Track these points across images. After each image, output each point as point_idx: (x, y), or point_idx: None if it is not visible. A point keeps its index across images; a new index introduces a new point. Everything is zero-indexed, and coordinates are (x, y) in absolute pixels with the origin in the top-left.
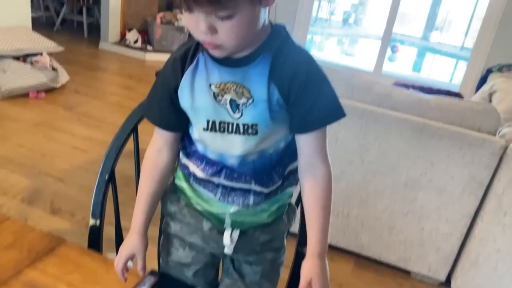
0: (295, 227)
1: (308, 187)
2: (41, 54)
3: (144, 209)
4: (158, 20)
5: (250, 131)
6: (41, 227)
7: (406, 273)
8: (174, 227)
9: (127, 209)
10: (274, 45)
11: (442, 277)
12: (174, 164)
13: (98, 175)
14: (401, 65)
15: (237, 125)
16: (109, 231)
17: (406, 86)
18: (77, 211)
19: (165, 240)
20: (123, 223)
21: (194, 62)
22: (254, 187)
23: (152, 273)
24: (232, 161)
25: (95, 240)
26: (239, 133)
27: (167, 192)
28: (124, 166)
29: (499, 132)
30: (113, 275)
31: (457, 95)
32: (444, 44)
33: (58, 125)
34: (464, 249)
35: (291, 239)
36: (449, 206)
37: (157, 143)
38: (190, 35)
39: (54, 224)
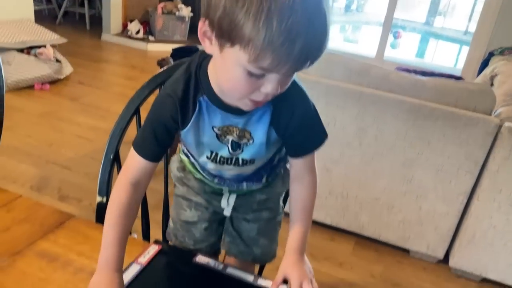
0: None
1: (296, 191)
2: (44, 46)
3: (120, 246)
4: (159, 10)
5: (248, 164)
6: None
7: (405, 251)
8: (182, 190)
9: None
10: None
11: (440, 254)
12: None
13: (104, 155)
14: (404, 51)
15: (237, 159)
16: None
17: (408, 71)
18: (84, 197)
19: (175, 202)
20: None
21: (197, 108)
22: (247, 183)
23: (156, 242)
24: (229, 175)
25: (102, 216)
26: (238, 165)
27: (174, 160)
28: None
29: (494, 112)
30: None
31: (459, 78)
32: (448, 29)
33: (63, 116)
34: (461, 226)
35: None
36: (446, 185)
37: (134, 176)
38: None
39: (62, 210)
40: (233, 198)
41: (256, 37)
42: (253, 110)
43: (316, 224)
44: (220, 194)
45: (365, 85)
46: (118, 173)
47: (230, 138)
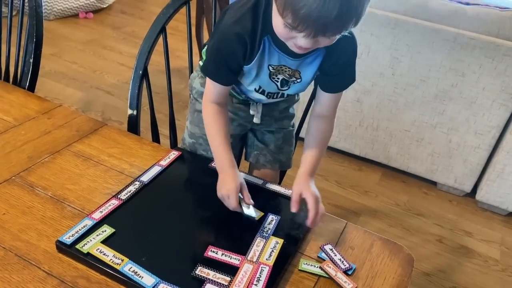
0: None
1: (318, 125)
2: None
3: (228, 148)
4: None
5: (291, 97)
6: None
7: (433, 183)
8: None
9: (159, 100)
10: None
11: (468, 188)
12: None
13: (133, 71)
14: None
15: (282, 94)
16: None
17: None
18: (124, 120)
19: (196, 118)
20: (156, 113)
21: (261, 47)
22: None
23: (176, 148)
24: (266, 102)
25: (133, 126)
26: (282, 97)
27: (195, 76)
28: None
29: None
30: (146, 150)
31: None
32: None
33: (106, 44)
34: (491, 160)
35: None
36: (479, 118)
37: (215, 99)
38: None
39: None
40: (260, 105)
41: None
42: (307, 53)
43: (345, 154)
44: (247, 104)
45: (401, 13)
46: (147, 88)
47: (281, 76)
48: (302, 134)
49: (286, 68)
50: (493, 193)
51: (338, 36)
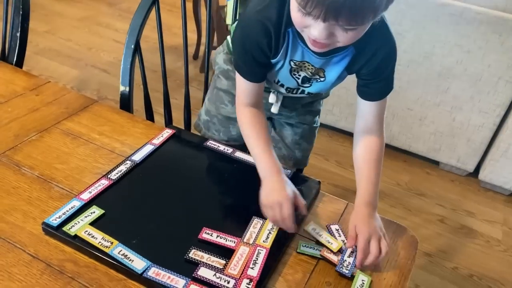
0: None
1: (364, 145)
2: None
3: (272, 153)
4: None
5: (313, 95)
6: None
7: (435, 163)
8: (225, 83)
9: (150, 73)
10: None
11: (471, 167)
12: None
13: (125, 46)
14: None
15: (303, 91)
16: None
17: None
18: None
19: (214, 95)
20: (153, 92)
21: (286, 39)
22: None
23: (169, 126)
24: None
25: (125, 104)
26: (303, 94)
27: (220, 52)
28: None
29: None
30: (138, 129)
31: None
32: None
33: (101, 21)
34: (495, 140)
35: None
36: (483, 96)
37: (249, 99)
38: None
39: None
40: (281, 95)
41: None
42: (335, 53)
43: (346, 133)
44: (268, 91)
45: None
46: (140, 63)
47: (302, 74)
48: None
49: (309, 65)
50: (497, 172)
51: (358, 31)
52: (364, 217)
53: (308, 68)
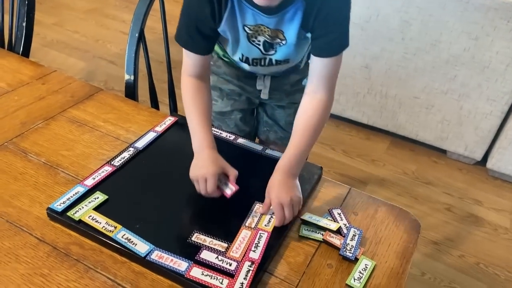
0: None
1: (305, 109)
2: None
3: (208, 128)
4: None
5: (282, 63)
6: None
7: (442, 152)
8: (212, 79)
9: (157, 65)
10: None
11: (478, 156)
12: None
13: (129, 35)
14: None
15: (270, 60)
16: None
17: None
18: None
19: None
20: (159, 82)
21: (229, 5)
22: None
23: (172, 114)
24: (262, 72)
25: (130, 92)
26: (272, 65)
27: None
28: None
29: None
30: (143, 116)
31: None
32: None
33: (108, 13)
34: (503, 127)
35: None
36: (491, 83)
37: (194, 71)
38: None
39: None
40: (268, 79)
41: None
42: (284, 9)
43: (352, 122)
44: (254, 77)
45: None
46: (144, 51)
47: (262, 39)
48: None
49: (264, 28)
50: (505, 161)
51: None
52: (277, 183)
53: (265, 31)
